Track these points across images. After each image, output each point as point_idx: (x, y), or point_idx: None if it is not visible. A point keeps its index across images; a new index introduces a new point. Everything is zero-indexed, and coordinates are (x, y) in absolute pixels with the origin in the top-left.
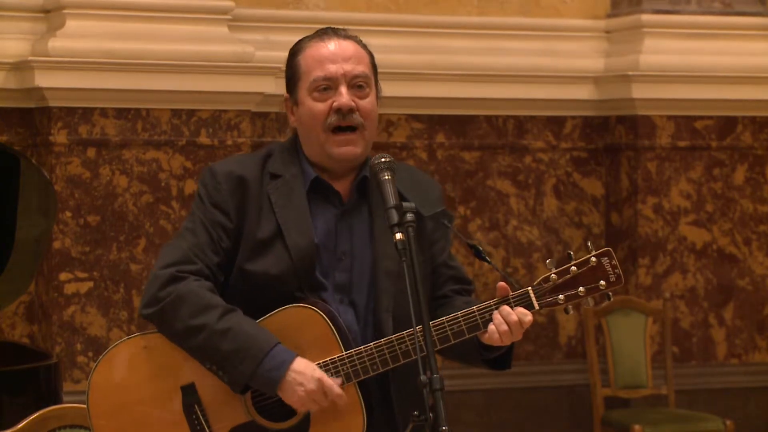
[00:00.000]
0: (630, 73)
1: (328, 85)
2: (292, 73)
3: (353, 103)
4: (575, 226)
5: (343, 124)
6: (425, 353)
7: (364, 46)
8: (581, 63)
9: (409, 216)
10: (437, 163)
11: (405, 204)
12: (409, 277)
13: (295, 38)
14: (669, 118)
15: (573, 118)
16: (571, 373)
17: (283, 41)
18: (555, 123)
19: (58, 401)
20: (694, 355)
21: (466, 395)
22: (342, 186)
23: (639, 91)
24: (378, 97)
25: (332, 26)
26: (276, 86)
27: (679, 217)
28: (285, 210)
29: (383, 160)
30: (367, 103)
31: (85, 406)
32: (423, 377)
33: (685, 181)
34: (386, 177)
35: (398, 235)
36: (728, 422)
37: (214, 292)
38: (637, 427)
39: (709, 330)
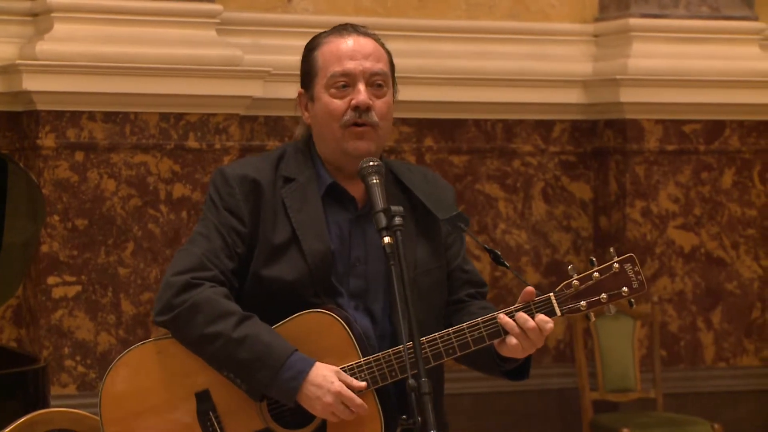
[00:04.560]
0: (618, 76)
1: (347, 82)
2: (308, 68)
3: (371, 102)
4: (564, 230)
5: (359, 121)
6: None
7: (383, 45)
8: (570, 67)
9: (398, 220)
10: (426, 167)
11: (393, 207)
12: (398, 279)
13: (283, 42)
14: (657, 122)
15: (561, 121)
16: (560, 377)
17: (271, 45)
18: (543, 127)
19: (46, 405)
20: (683, 359)
21: (456, 399)
22: (357, 191)
23: (627, 95)
24: (394, 97)
25: (351, 23)
26: (264, 90)
27: (667, 221)
28: (300, 214)
29: (371, 163)
30: (384, 103)
31: (72, 410)
32: (411, 381)
33: (673, 185)
34: (374, 181)
35: (386, 239)
36: (716, 425)
37: (229, 299)
38: (625, 430)
39: (697, 333)
